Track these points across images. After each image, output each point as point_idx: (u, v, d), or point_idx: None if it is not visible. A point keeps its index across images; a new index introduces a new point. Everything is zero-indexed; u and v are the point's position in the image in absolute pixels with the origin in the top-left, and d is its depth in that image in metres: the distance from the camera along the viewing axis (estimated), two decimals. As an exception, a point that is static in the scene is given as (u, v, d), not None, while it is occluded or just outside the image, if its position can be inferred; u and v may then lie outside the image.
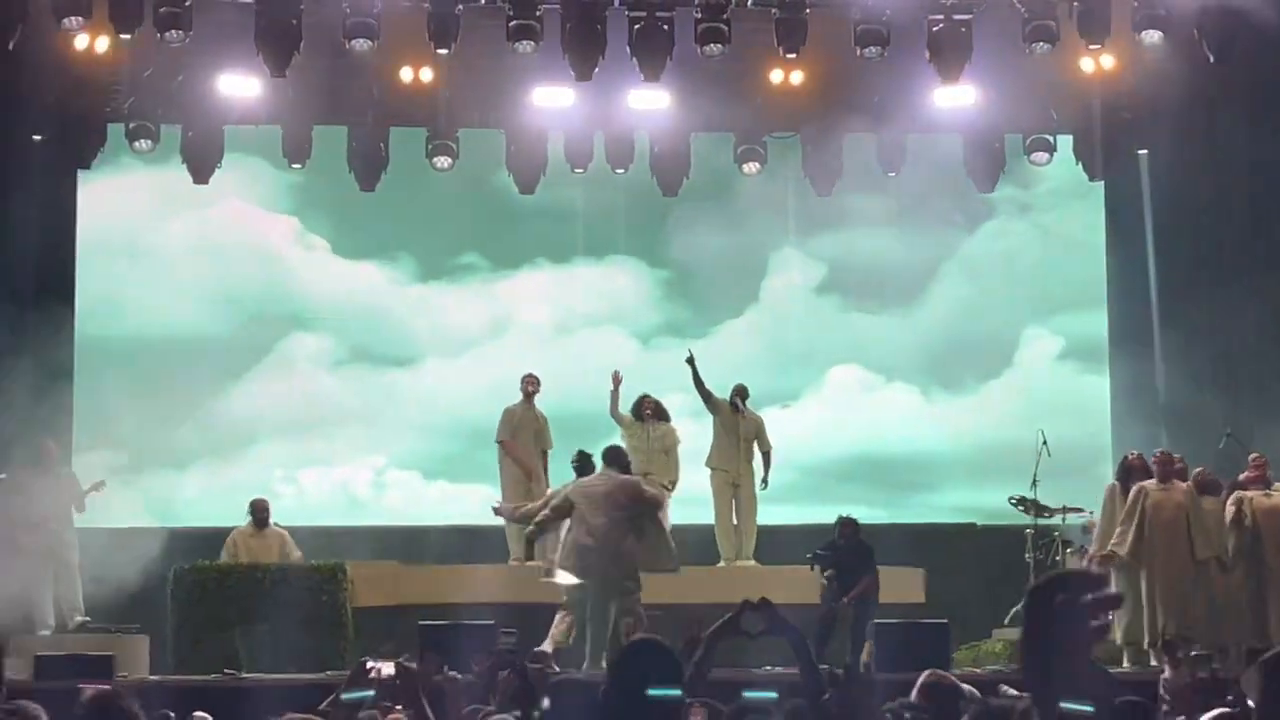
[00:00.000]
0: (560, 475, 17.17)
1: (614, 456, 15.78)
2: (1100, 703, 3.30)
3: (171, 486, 20.24)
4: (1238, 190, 19.48)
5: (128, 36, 17.85)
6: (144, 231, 20.83)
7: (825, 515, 18.64)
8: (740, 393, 18.59)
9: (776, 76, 19.33)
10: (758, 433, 18.62)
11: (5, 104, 18.38)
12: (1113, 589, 3.13)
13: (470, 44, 18.47)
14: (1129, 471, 16.28)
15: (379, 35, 18.16)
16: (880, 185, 20.62)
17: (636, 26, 18.28)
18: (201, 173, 20.16)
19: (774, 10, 18.39)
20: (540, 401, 18.65)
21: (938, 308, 21.22)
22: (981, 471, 20.22)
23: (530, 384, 18.60)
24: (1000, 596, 17.73)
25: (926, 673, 7.29)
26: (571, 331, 21.11)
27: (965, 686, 7.46)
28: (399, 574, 17.97)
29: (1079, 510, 17.85)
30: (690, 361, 18.33)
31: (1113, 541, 15.88)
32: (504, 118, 20.21)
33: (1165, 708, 12.16)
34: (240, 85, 19.11)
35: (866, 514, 17.30)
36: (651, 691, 4.96)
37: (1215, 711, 7.44)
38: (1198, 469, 16.30)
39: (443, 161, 20.26)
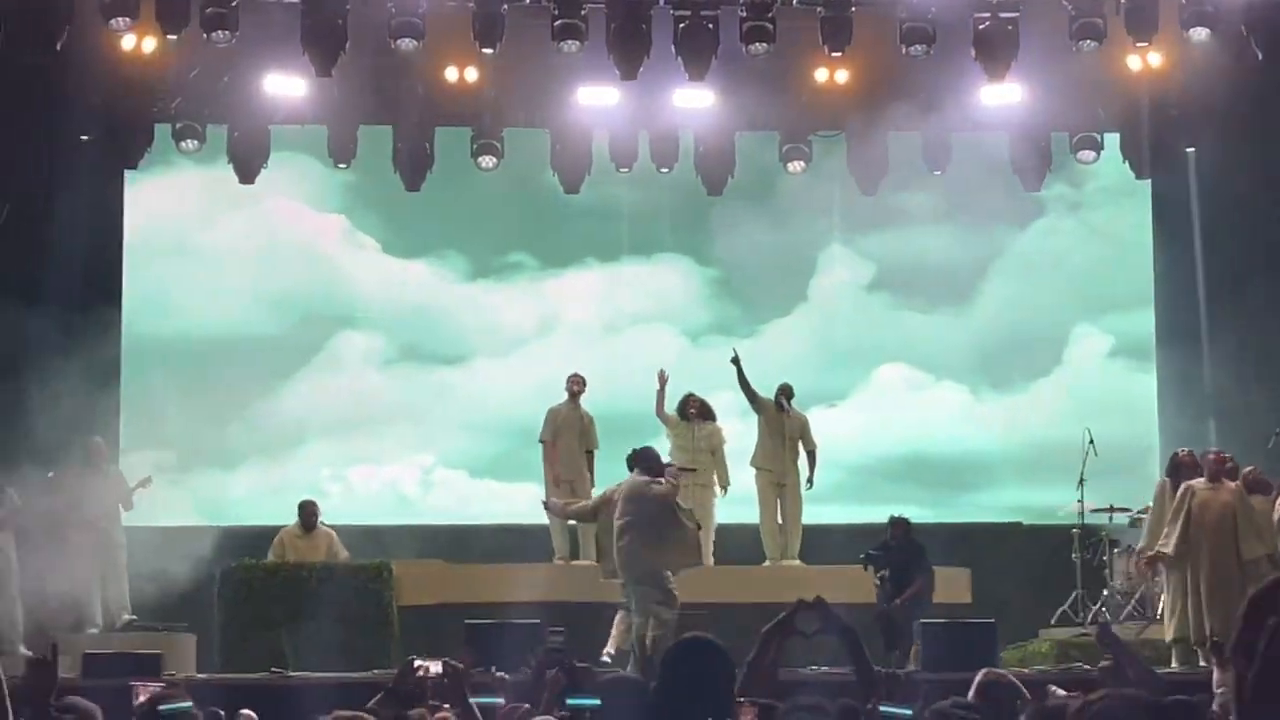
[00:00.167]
0: (606, 475, 17.17)
1: (638, 457, 15.80)
2: None
3: (220, 485, 20.30)
4: (1286, 187, 19.38)
5: (174, 37, 17.93)
6: (192, 231, 20.89)
7: (871, 515, 18.62)
8: (785, 392, 18.56)
9: (821, 75, 19.30)
10: (802, 432, 18.58)
11: (53, 104, 18.46)
12: None
13: (515, 43, 18.47)
14: (1179, 469, 16.16)
15: (424, 35, 18.19)
16: (926, 183, 20.56)
17: (681, 25, 18.27)
18: (247, 173, 20.21)
19: (819, 9, 18.35)
20: (588, 400, 18.61)
21: (987, 306, 21.14)
22: (1030, 471, 20.13)
23: (575, 384, 18.57)
24: (1047, 596, 17.69)
25: (983, 671, 7.25)
26: (620, 330, 21.09)
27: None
28: (444, 573, 17.98)
29: (1126, 510, 17.79)
30: (735, 361, 18.31)
31: (1159, 541, 15.80)
32: (549, 117, 20.20)
33: (1215, 708, 12.08)
34: (286, 85, 19.16)
35: (913, 513, 17.21)
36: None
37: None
38: (1248, 468, 16.19)
39: (488, 161, 20.26)
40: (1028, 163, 20.53)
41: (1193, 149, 20.17)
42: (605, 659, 14.79)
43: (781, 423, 18.48)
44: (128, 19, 17.68)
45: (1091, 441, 17.69)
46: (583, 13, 18.14)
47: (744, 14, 18.28)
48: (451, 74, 19.20)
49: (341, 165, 20.34)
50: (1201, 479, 15.81)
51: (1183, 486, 15.79)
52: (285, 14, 18.23)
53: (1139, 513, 17.14)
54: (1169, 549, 15.62)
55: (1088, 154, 20.55)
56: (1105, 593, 17.43)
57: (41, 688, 5.58)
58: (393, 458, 20.82)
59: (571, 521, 17.69)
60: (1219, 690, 12.80)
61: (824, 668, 13.39)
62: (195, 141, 20.00)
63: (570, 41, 18.20)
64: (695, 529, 15.78)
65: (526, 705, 7.68)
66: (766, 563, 18.46)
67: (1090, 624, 16.43)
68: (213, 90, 19.64)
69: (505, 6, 18.18)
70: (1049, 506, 18.26)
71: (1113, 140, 20.72)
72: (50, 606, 16.10)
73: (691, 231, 20.99)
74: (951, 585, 17.40)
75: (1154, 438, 20.21)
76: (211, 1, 17.75)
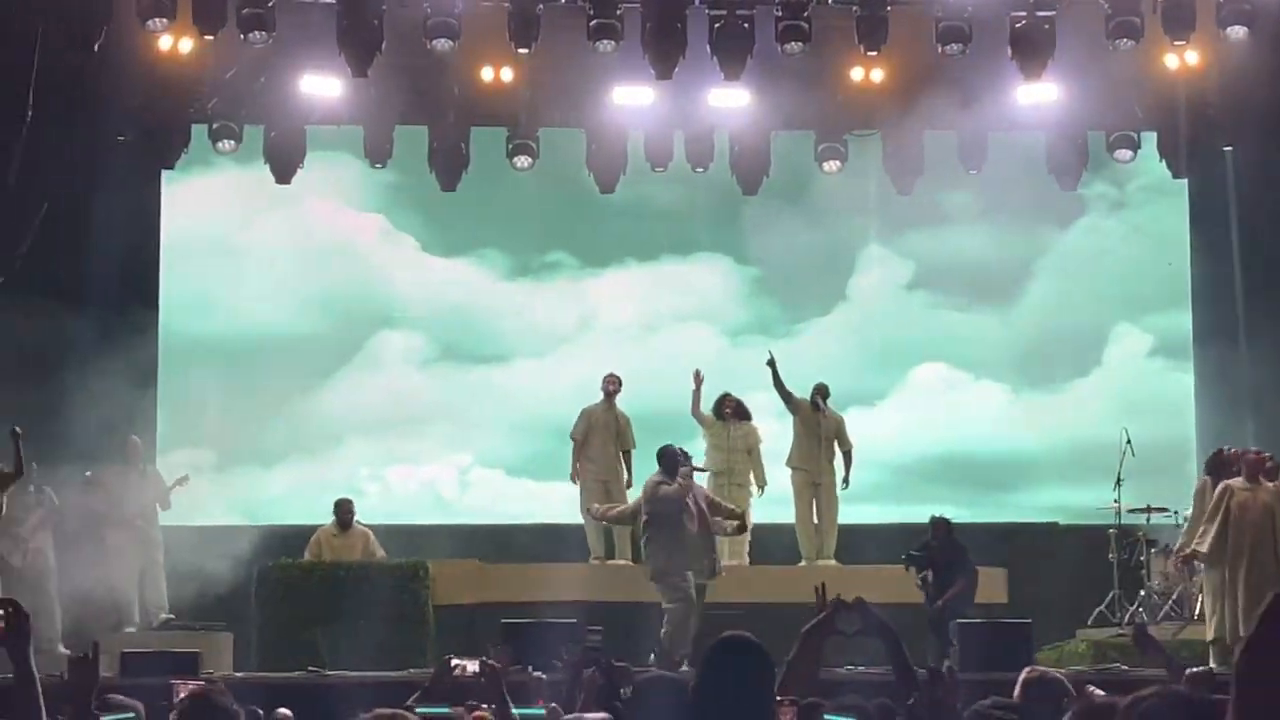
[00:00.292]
0: (644, 475, 17.18)
1: (657, 457, 16.03)
2: None
3: (258, 485, 20.35)
4: (1324, 186, 19.31)
5: (211, 38, 17.98)
6: (229, 231, 20.93)
7: (908, 515, 18.59)
8: (821, 391, 18.53)
9: (857, 74, 19.27)
10: (838, 432, 18.55)
11: (91, 105, 18.51)
12: None
13: (551, 43, 18.49)
14: (1221, 466, 16.07)
15: (460, 35, 18.22)
16: (966, 183, 20.50)
17: (717, 25, 18.27)
18: (284, 173, 20.25)
19: (855, 8, 18.33)
20: (627, 400, 18.59)
21: (1029, 305, 21.07)
22: (1069, 471, 20.05)
23: (611, 384, 18.56)
24: (1083, 597, 17.64)
25: (1028, 669, 7.22)
26: (658, 329, 21.07)
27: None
28: (480, 572, 18.01)
29: (1164, 510, 17.73)
30: (771, 364, 18.29)
31: (1195, 540, 15.74)
32: (584, 117, 20.20)
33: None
34: (322, 85, 19.20)
35: (950, 513, 17.16)
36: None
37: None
38: (1288, 467, 16.12)
39: (523, 161, 20.27)
40: (1064, 162, 20.45)
41: (1230, 148, 20.08)
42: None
43: (817, 422, 18.45)
44: (165, 20, 17.76)
45: (1129, 441, 17.64)
46: (618, 12, 18.16)
47: (779, 13, 18.28)
48: (487, 74, 19.23)
49: (377, 165, 20.37)
50: (1240, 479, 15.74)
51: (1221, 485, 15.73)
52: (321, 14, 18.28)
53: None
54: (1204, 547, 15.57)
55: (1124, 153, 20.48)
56: (1142, 593, 17.39)
57: (83, 686, 5.59)
58: (430, 457, 20.84)
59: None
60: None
61: (861, 667, 13.38)
62: (232, 142, 20.05)
63: (606, 41, 18.22)
64: (712, 530, 15.88)
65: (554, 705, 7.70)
66: (802, 563, 18.44)
67: (1127, 624, 16.39)
68: (249, 91, 19.68)
69: (541, 6, 18.21)
70: (1088, 507, 18.19)
71: (1150, 139, 20.64)
72: (88, 605, 16.16)
73: (730, 231, 20.95)
74: (988, 585, 17.35)
75: (1191, 437, 20.14)
76: (248, 2, 17.81)
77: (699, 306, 21.16)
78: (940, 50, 18.39)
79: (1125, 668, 14.66)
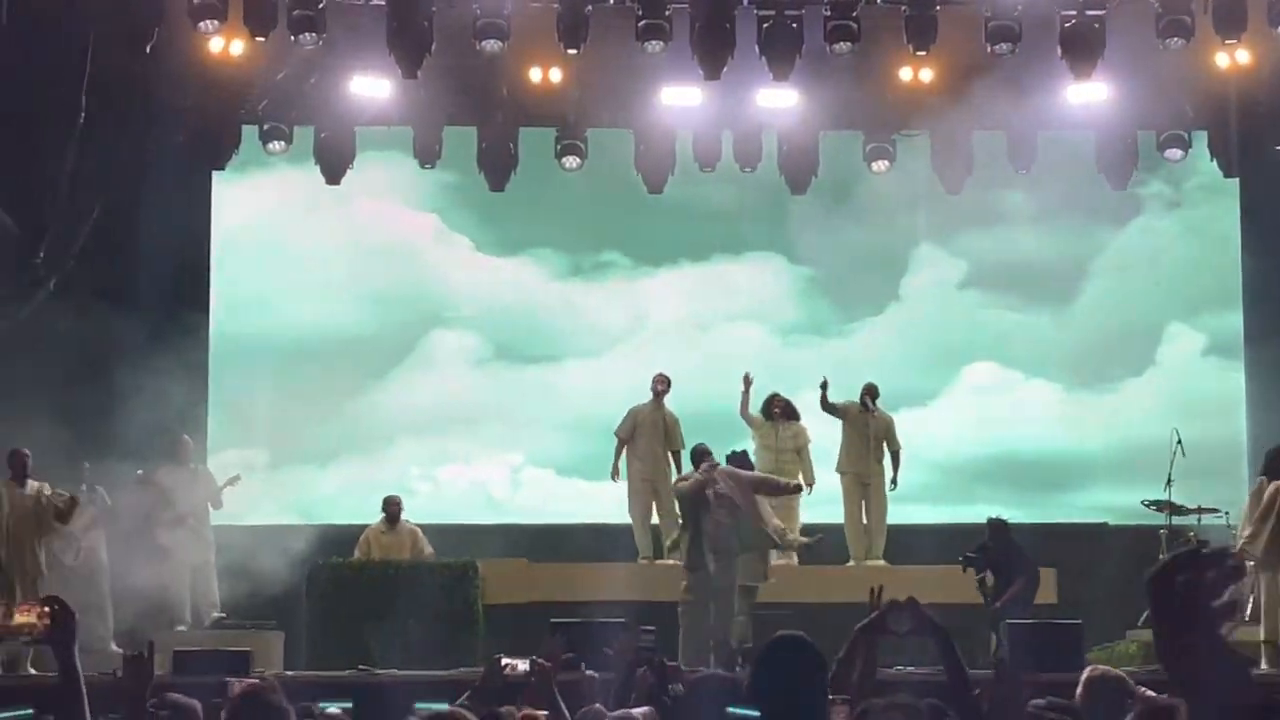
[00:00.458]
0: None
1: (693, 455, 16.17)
2: (1238, 688, 3.25)
3: (310, 484, 20.41)
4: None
5: (262, 39, 18.06)
6: (281, 231, 21.01)
7: (958, 515, 18.54)
8: (870, 391, 18.52)
9: (906, 74, 19.24)
10: (887, 433, 18.52)
11: (142, 106, 18.61)
12: (1232, 562, 3.06)
13: (599, 44, 18.51)
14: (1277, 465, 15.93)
15: (509, 36, 18.26)
16: (1014, 182, 20.44)
17: (765, 25, 18.27)
18: (334, 173, 20.33)
19: (904, 7, 18.31)
20: (679, 399, 18.58)
21: (1082, 305, 20.99)
22: (1121, 471, 19.96)
23: (660, 384, 18.56)
24: (1134, 597, 17.52)
25: (1090, 668, 7.20)
26: (711, 329, 21.06)
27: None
28: (529, 571, 18.04)
29: (1214, 510, 17.63)
30: (823, 386, 18.28)
31: (1244, 539, 15.66)
32: (632, 117, 20.22)
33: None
34: (372, 86, 19.27)
35: (1001, 513, 17.13)
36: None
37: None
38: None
39: (571, 161, 20.30)
40: (1114, 161, 20.39)
41: (1282, 146, 20.00)
42: None
43: (865, 422, 18.44)
44: (216, 21, 17.85)
45: (1179, 442, 17.56)
46: (667, 13, 18.17)
47: (828, 13, 18.27)
48: (536, 75, 19.26)
49: (427, 166, 20.43)
50: (1292, 479, 15.63)
51: (1272, 485, 15.64)
52: (371, 16, 18.34)
53: None
54: (1255, 548, 15.47)
55: (1175, 152, 20.39)
56: (1193, 594, 17.28)
57: (138, 685, 5.63)
58: (482, 457, 20.87)
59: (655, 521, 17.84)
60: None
61: (910, 667, 13.35)
62: (282, 143, 20.14)
63: (654, 42, 18.24)
64: (764, 527, 15.85)
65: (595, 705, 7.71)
66: (850, 563, 18.42)
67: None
68: (300, 92, 19.76)
69: (590, 7, 18.23)
70: (1139, 507, 18.11)
71: (1200, 138, 20.56)
72: (140, 604, 16.25)
73: (783, 230, 20.90)
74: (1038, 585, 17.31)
75: (1243, 438, 20.04)
76: (299, 4, 17.89)
77: (751, 306, 21.14)
78: (990, 49, 18.35)
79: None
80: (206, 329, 19.97)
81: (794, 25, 18.24)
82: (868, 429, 18.44)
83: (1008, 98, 19.34)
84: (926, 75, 19.18)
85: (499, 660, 8.27)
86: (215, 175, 20.42)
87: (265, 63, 19.11)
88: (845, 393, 18.86)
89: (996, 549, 16.46)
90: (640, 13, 18.16)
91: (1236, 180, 20.70)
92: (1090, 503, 20.29)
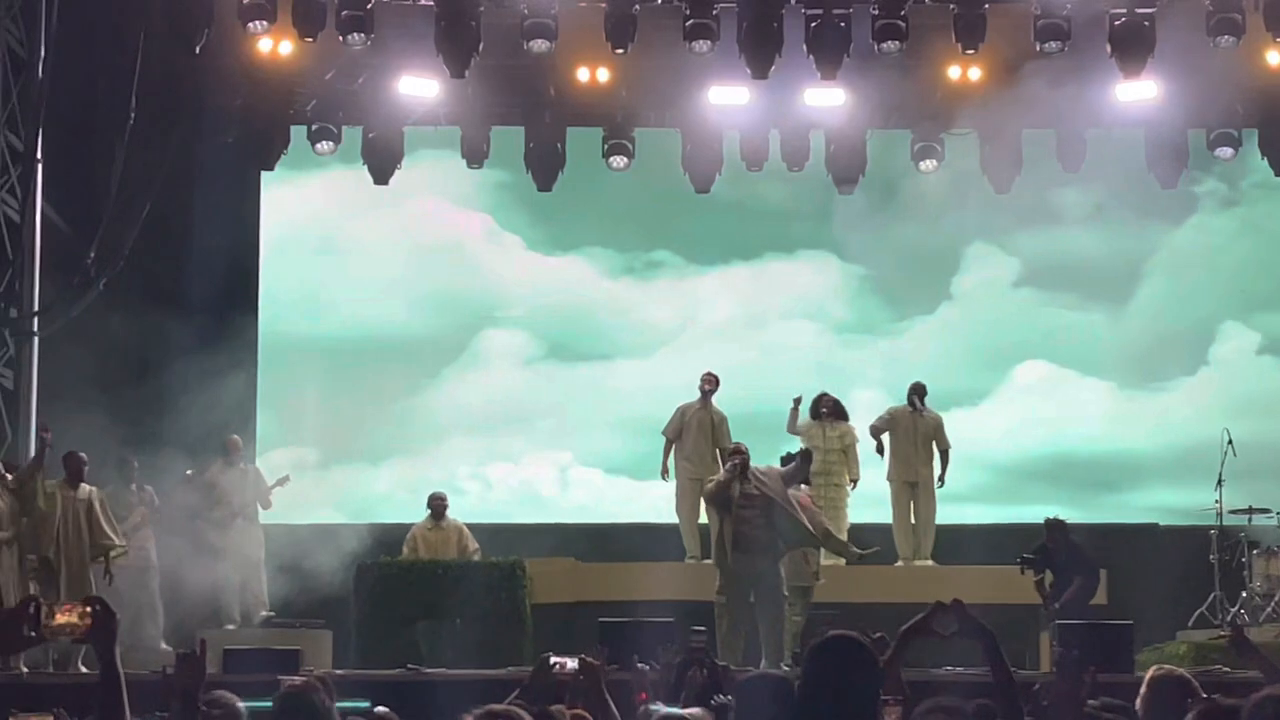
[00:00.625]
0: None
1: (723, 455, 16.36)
2: None
3: (362, 483, 20.47)
4: None
5: (311, 40, 18.12)
6: (330, 231, 21.09)
7: (1008, 515, 18.48)
8: (918, 390, 18.46)
9: (954, 72, 19.20)
10: (936, 432, 18.45)
11: (191, 107, 18.69)
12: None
13: (647, 43, 18.52)
14: None
15: (556, 36, 18.28)
16: (1067, 180, 20.36)
17: (813, 24, 18.24)
18: (382, 173, 20.38)
19: (952, 6, 18.26)
20: (730, 398, 18.51)
21: (1137, 303, 20.89)
22: (1174, 471, 19.86)
23: (708, 383, 18.49)
24: (1184, 598, 17.48)
25: (1154, 667, 7.15)
26: (763, 327, 21.04)
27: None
28: (576, 570, 18.05)
29: (1265, 511, 17.54)
30: (879, 449, 18.28)
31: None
32: (680, 117, 20.23)
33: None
34: (420, 87, 19.32)
35: (1052, 513, 17.05)
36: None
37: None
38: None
39: (619, 161, 20.32)
40: (1164, 160, 20.30)
41: (1333, 145, 19.89)
42: None
43: (914, 422, 18.38)
44: (265, 22, 17.92)
45: (1230, 442, 17.47)
46: (714, 12, 18.16)
47: (876, 11, 18.23)
48: (583, 74, 19.28)
49: (474, 166, 20.47)
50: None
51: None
52: (420, 16, 18.38)
53: None
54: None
55: (1225, 150, 20.30)
56: (1244, 594, 17.22)
57: (190, 682, 5.65)
58: (531, 456, 20.90)
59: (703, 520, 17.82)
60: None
61: (957, 668, 13.32)
62: (331, 143, 20.22)
63: (702, 41, 18.23)
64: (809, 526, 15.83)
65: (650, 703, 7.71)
66: (899, 563, 18.37)
67: (1228, 626, 16.24)
68: (348, 92, 19.83)
69: (637, 7, 18.24)
70: (1193, 507, 18.02)
71: (1251, 136, 20.45)
72: (189, 603, 16.32)
73: (835, 229, 20.85)
74: (1087, 586, 17.25)
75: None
76: (347, 4, 17.94)
77: (803, 305, 21.11)
78: (1039, 48, 18.29)
79: (1227, 670, 14.49)
80: (255, 328, 20.06)
81: (842, 24, 18.21)
82: (915, 430, 18.37)
83: (1057, 96, 19.28)
84: (975, 74, 19.13)
85: (548, 659, 8.26)
86: (264, 176, 20.51)
87: (314, 63, 19.18)
88: (894, 392, 18.82)
89: (1056, 550, 16.40)
90: (688, 12, 18.16)
91: (1286, 178, 20.60)
92: (1141, 503, 20.20)
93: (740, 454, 15.53)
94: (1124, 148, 20.21)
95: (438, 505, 17.92)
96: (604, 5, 18.22)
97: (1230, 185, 21.15)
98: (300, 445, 19.95)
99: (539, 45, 18.37)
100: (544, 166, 20.43)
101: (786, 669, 13.12)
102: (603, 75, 19.28)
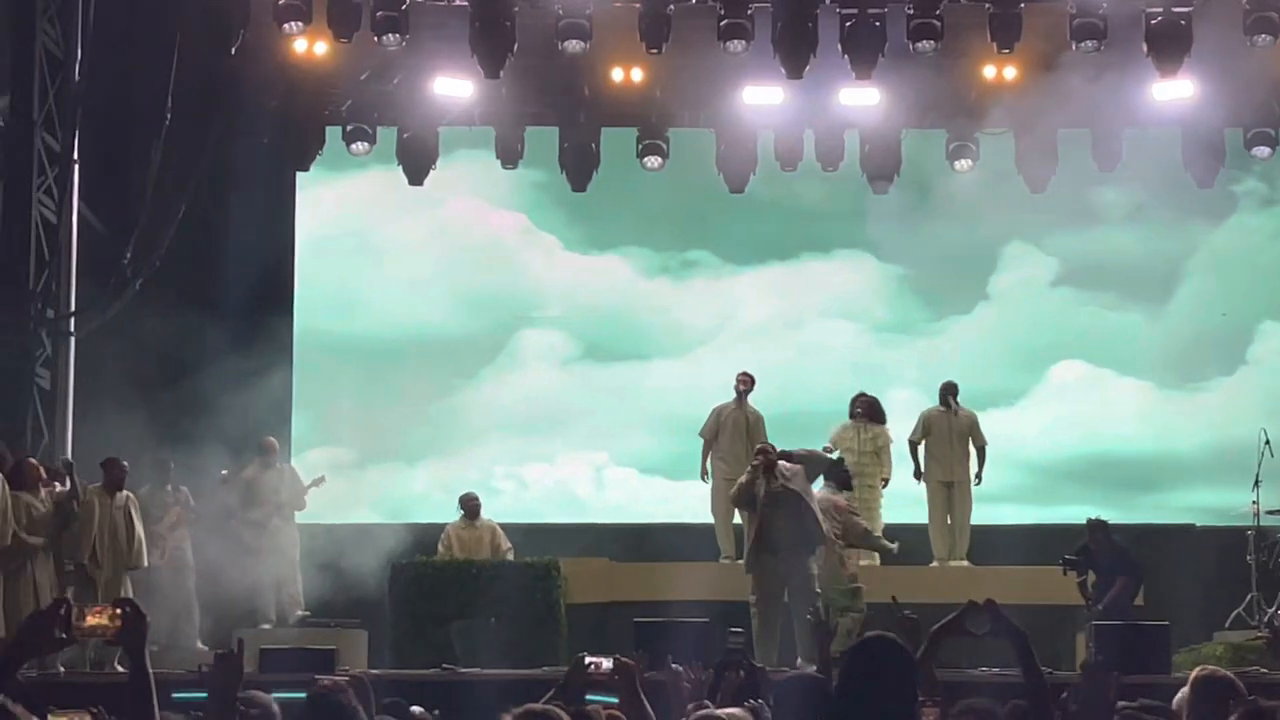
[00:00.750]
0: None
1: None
2: None
3: (398, 483, 20.49)
4: None
5: (346, 40, 18.15)
6: (365, 232, 21.13)
7: (1044, 515, 18.40)
8: (950, 389, 18.41)
9: (989, 71, 19.16)
10: (971, 430, 18.40)
11: (227, 107, 18.74)
12: None
13: (681, 44, 18.51)
14: None
15: (591, 36, 18.29)
16: (1104, 179, 20.29)
17: (848, 24, 18.22)
18: (416, 174, 20.42)
19: (988, 5, 18.21)
20: (766, 398, 18.47)
21: (1175, 302, 20.80)
22: (1212, 471, 19.76)
23: (743, 382, 18.44)
24: (1220, 599, 17.40)
25: (1199, 668, 7.10)
26: (800, 327, 21.01)
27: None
28: (610, 570, 18.05)
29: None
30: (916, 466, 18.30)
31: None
32: (714, 117, 20.22)
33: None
34: (455, 87, 19.36)
35: (1090, 514, 16.99)
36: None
37: None
38: None
39: (653, 161, 20.32)
40: (1201, 159, 20.21)
41: (1371, 144, 19.77)
42: None
43: (948, 422, 18.33)
44: (301, 23, 17.97)
45: (1268, 442, 17.39)
46: (749, 12, 18.15)
47: (911, 11, 18.19)
48: (618, 75, 19.29)
49: (509, 166, 20.49)
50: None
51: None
52: (454, 17, 18.40)
53: None
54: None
55: (1262, 150, 20.21)
56: (1281, 595, 17.15)
57: (228, 682, 5.66)
58: (566, 456, 20.90)
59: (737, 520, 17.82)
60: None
61: (995, 669, 13.28)
62: (365, 144, 20.26)
63: (736, 41, 18.22)
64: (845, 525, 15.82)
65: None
66: (934, 563, 18.33)
67: (1265, 627, 16.17)
68: (383, 93, 19.87)
69: (672, 7, 18.24)
70: (1230, 507, 17.94)
71: (1288, 135, 20.35)
72: (225, 603, 16.36)
73: (872, 229, 20.81)
74: (1124, 587, 17.18)
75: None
76: (382, 5, 17.97)
77: (841, 304, 21.07)
78: (1074, 47, 18.23)
79: (1264, 671, 14.45)
80: (291, 329, 20.10)
81: (876, 23, 18.18)
82: (950, 430, 18.32)
83: (1092, 95, 19.21)
84: (1010, 73, 19.08)
85: (584, 659, 8.26)
86: (299, 176, 20.55)
87: (349, 64, 19.22)
88: (930, 392, 18.77)
89: (1099, 551, 16.34)
90: (722, 12, 18.15)
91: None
92: (1178, 503, 20.11)
93: (763, 454, 15.52)
94: (1160, 147, 20.14)
95: (470, 505, 17.94)
96: (638, 5, 18.22)
97: (1270, 185, 21.04)
98: (336, 445, 19.98)
99: (574, 45, 18.38)
100: (579, 167, 20.44)
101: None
102: (637, 75, 19.29)
